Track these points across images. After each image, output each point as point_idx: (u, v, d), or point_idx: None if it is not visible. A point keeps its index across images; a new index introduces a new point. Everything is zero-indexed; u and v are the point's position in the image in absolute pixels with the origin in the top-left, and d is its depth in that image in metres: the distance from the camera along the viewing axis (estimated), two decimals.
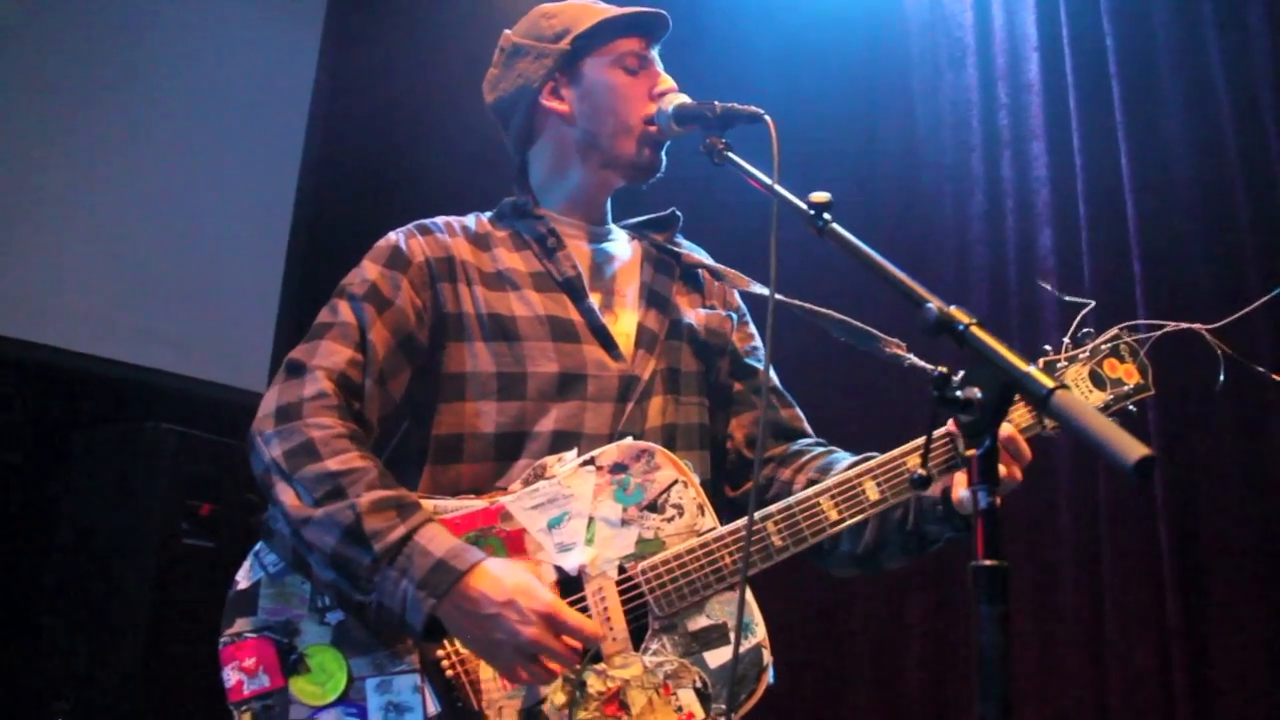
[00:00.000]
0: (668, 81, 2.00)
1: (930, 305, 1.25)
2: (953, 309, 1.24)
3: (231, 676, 1.69)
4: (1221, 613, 3.17)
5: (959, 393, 1.18)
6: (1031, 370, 1.12)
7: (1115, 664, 3.27)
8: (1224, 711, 3.09)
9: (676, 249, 2.12)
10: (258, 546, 1.76)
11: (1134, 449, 0.99)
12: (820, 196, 1.51)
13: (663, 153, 2.01)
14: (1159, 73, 3.60)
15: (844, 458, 1.95)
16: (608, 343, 1.91)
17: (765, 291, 1.95)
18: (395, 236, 1.95)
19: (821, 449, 2.03)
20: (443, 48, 4.71)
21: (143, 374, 4.15)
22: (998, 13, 4.04)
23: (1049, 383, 1.09)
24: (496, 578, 1.60)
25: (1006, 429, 1.73)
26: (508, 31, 2.12)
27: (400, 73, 4.83)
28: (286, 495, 1.66)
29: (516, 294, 1.92)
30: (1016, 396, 1.17)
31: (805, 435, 2.09)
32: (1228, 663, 3.13)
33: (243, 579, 1.74)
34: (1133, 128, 3.56)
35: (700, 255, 2.15)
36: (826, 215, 1.50)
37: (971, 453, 1.16)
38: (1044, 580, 3.51)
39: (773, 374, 2.10)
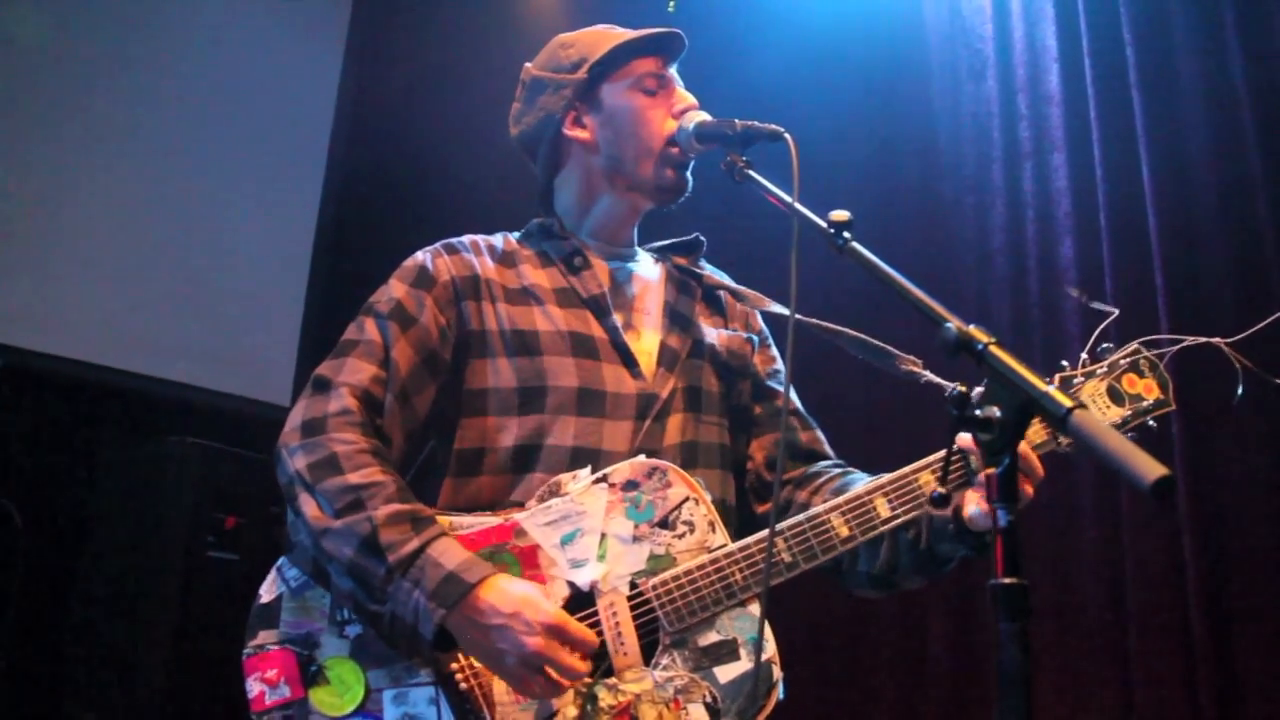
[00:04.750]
0: (688, 99, 2.01)
1: (949, 324, 1.26)
2: (972, 328, 1.24)
3: (254, 687, 1.72)
4: (1247, 624, 3.15)
5: (978, 412, 1.18)
6: (1050, 390, 1.12)
7: (1140, 677, 3.25)
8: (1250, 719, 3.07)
9: (699, 271, 2.13)
10: (280, 561, 1.80)
11: (1152, 469, 0.99)
12: (840, 215, 1.51)
13: (688, 173, 2.02)
14: (1180, 83, 3.59)
15: (860, 478, 1.95)
16: (628, 360, 1.92)
17: (784, 310, 1.96)
18: (422, 256, 1.98)
19: (838, 470, 2.03)
20: (465, 62, 4.74)
21: (167, 388, 4.19)
22: (1018, 24, 4.03)
23: (1067, 402, 1.09)
24: (504, 590, 1.63)
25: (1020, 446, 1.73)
26: (528, 65, 2.13)
27: (423, 86, 4.85)
28: (309, 506, 1.70)
29: (540, 309, 1.93)
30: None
31: (825, 458, 2.09)
32: (1253, 674, 3.10)
33: (266, 593, 1.78)
34: (1154, 138, 3.55)
35: (722, 278, 2.16)
36: (847, 234, 1.50)
37: (990, 471, 1.16)
38: (1067, 595, 3.49)
39: (794, 395, 2.10)
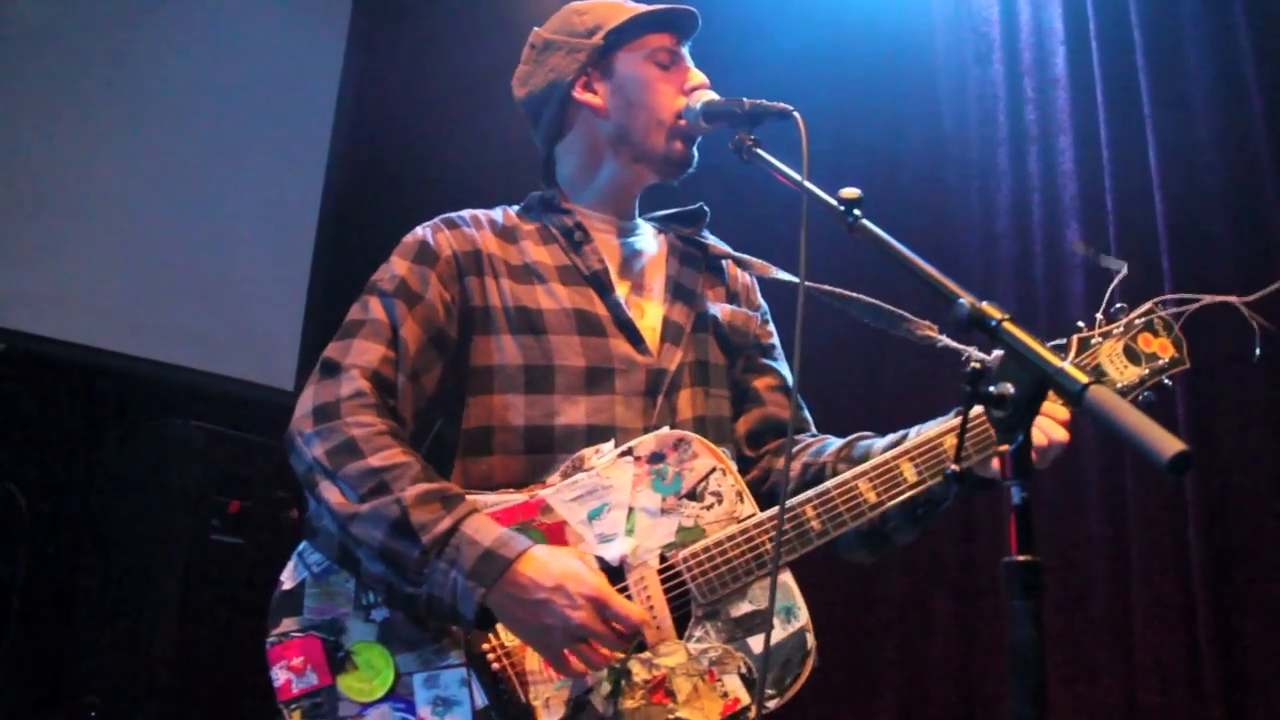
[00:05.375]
0: (699, 77, 2.01)
1: (962, 301, 1.25)
2: (985, 304, 1.24)
3: (280, 676, 1.70)
4: (1252, 603, 3.14)
5: (992, 388, 1.17)
6: (1065, 365, 1.12)
7: (1145, 658, 3.25)
8: (1255, 705, 3.07)
9: (703, 241, 2.13)
10: (301, 546, 1.77)
11: (1169, 445, 0.99)
12: (850, 192, 1.51)
13: (694, 148, 2.01)
14: (1187, 66, 3.57)
15: (834, 442, 1.98)
16: (634, 336, 1.92)
17: (788, 278, 1.96)
18: (422, 231, 1.96)
19: (813, 438, 2.05)
20: (467, 44, 4.72)
21: (171, 372, 4.18)
22: (1024, 7, 4.01)
23: (1082, 378, 1.09)
24: (544, 563, 1.61)
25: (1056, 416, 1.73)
26: (538, 29, 2.12)
27: (425, 69, 4.84)
28: (331, 493, 1.68)
29: (543, 287, 1.93)
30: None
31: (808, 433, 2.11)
32: (1259, 655, 3.10)
33: (288, 579, 1.75)
34: (1161, 121, 3.53)
35: (726, 248, 2.16)
36: (857, 211, 1.50)
37: (1004, 448, 1.15)
38: (1072, 574, 3.48)
39: (797, 371, 2.10)
